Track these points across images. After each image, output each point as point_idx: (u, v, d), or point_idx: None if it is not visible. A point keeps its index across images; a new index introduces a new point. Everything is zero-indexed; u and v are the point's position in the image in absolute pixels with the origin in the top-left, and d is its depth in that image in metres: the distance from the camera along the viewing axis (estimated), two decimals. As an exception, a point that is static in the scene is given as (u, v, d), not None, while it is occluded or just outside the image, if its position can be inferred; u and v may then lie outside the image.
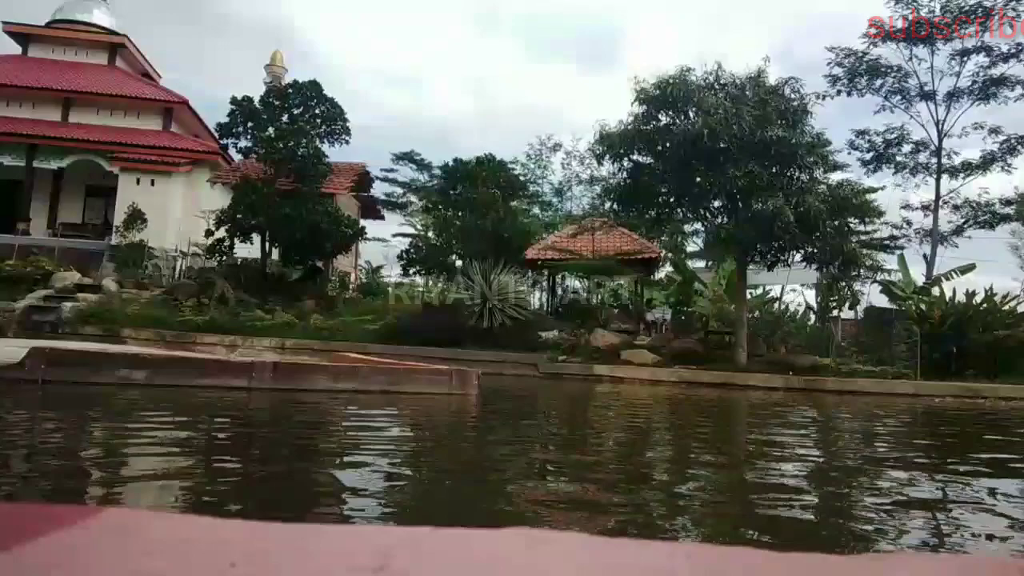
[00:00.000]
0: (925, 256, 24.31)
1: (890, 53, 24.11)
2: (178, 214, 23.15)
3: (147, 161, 23.45)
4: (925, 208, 25.19)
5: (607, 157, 14.38)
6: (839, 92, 24.64)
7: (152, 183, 23.43)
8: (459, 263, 19.57)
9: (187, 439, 3.35)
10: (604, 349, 14.42)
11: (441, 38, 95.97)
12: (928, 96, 24.19)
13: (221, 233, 18.51)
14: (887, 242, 24.66)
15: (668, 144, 13.60)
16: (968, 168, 24.37)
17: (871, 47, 23.89)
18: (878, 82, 24.38)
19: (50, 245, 21.03)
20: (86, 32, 27.86)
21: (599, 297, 21.97)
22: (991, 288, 14.93)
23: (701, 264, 22.73)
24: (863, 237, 18.70)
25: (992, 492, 3.41)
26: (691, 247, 26.41)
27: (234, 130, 18.87)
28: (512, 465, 3.27)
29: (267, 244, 19.03)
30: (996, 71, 23.24)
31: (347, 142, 19.52)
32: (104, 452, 2.89)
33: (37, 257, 18.97)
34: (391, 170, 34.21)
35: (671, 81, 13.65)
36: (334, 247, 19.04)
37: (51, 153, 23.57)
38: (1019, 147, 23.60)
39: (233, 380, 5.98)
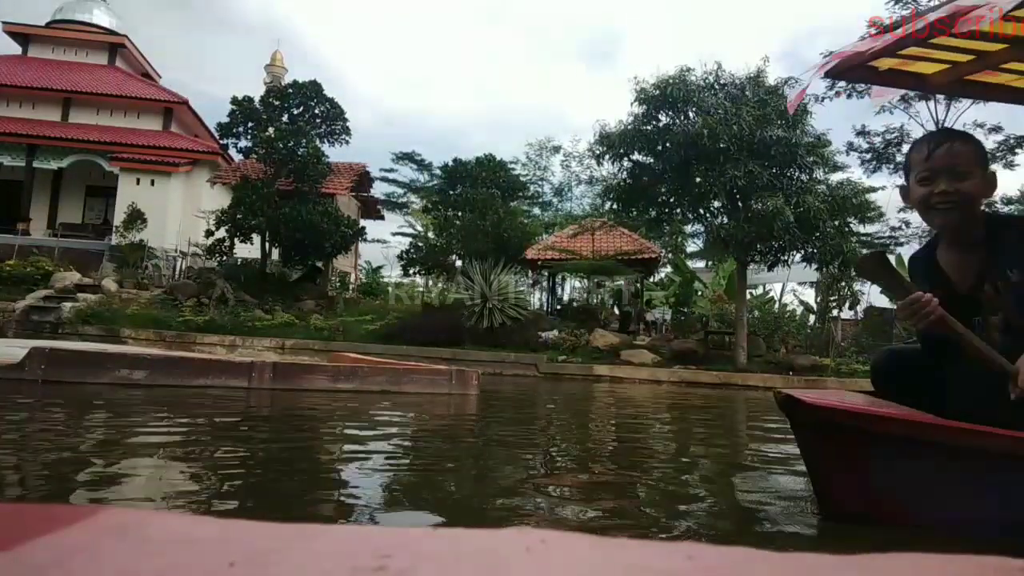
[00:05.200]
0: (925, 256, 24.32)
1: (890, 53, 24.11)
2: (178, 214, 23.18)
3: (147, 161, 23.47)
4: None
5: (607, 157, 14.40)
6: (838, 94, 24.64)
7: (152, 183, 23.46)
8: (459, 263, 19.57)
9: (186, 439, 3.36)
10: (604, 349, 14.43)
11: (443, 38, 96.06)
12: (928, 95, 24.17)
13: (221, 233, 18.54)
14: (887, 242, 24.70)
15: (668, 144, 13.62)
16: None
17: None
18: (878, 82, 24.39)
19: (50, 245, 21.04)
20: (86, 32, 27.89)
21: (599, 297, 21.98)
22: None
23: (701, 264, 22.77)
24: (863, 237, 18.70)
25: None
26: (691, 247, 26.43)
27: (234, 130, 18.91)
28: (512, 465, 3.28)
29: (267, 244, 19.04)
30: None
31: (347, 142, 19.57)
32: (103, 452, 2.90)
33: (37, 257, 18.97)
34: (391, 170, 34.28)
35: (671, 81, 13.68)
36: (334, 247, 19.06)
37: (51, 153, 23.59)
38: (1018, 147, 23.58)
39: (233, 380, 5.97)
